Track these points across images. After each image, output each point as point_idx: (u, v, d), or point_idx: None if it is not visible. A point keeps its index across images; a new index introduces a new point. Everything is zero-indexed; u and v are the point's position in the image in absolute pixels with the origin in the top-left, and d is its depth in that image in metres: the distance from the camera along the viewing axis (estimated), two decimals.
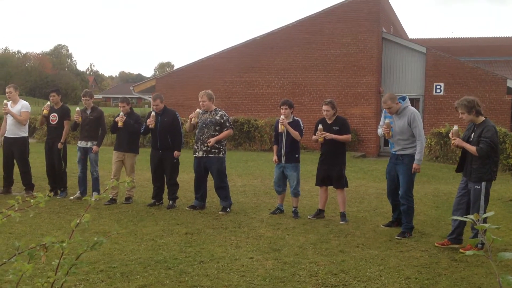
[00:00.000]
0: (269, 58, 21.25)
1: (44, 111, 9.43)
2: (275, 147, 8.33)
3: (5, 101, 9.44)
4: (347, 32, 20.13)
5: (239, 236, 6.82)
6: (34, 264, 1.62)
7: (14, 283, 1.51)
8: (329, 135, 7.72)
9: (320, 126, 7.80)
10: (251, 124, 19.85)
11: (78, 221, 1.72)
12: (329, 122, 7.88)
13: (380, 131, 7.41)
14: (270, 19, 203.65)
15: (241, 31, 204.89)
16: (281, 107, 8.17)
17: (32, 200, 1.66)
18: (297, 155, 8.20)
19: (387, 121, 7.15)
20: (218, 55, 22.23)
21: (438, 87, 19.89)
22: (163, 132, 8.67)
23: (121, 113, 8.91)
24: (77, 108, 9.32)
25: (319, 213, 8.04)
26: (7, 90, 9.47)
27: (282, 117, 8.11)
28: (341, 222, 7.69)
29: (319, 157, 8.14)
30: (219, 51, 22.45)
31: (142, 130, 8.99)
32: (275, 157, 8.26)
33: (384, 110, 7.35)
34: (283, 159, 8.14)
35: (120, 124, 8.83)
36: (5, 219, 1.57)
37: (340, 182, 7.87)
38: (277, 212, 8.25)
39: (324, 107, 7.92)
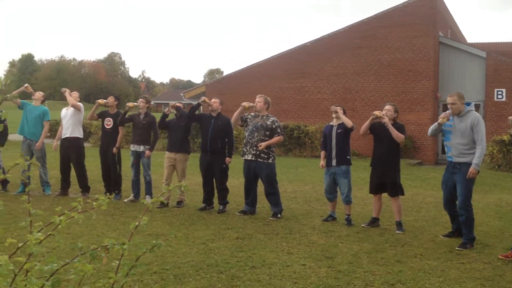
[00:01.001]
0: (319, 64, 21.06)
1: (100, 101, 9.71)
2: (322, 153, 8.18)
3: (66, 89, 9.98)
4: (401, 37, 19.69)
5: (291, 242, 6.72)
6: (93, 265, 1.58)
7: (76, 283, 1.49)
8: (387, 119, 7.50)
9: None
10: (301, 130, 19.68)
11: (136, 223, 1.69)
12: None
13: (434, 125, 7.09)
14: (320, 25, 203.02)
15: (290, 37, 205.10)
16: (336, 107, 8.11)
17: (94, 203, 1.64)
18: (348, 157, 8.02)
19: (448, 111, 6.88)
20: (268, 61, 22.23)
21: (500, 93, 19.09)
22: (214, 136, 8.69)
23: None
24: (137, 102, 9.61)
25: (374, 222, 7.82)
26: (73, 92, 10.05)
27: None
28: (397, 232, 7.44)
29: (370, 162, 7.93)
30: (268, 57, 22.45)
31: (190, 110, 9.28)
32: (322, 162, 8.11)
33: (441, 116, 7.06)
34: (334, 161, 7.96)
35: (171, 105, 9.27)
36: (68, 220, 1.54)
37: (394, 190, 7.62)
38: (329, 219, 8.09)
39: (387, 107, 7.74)
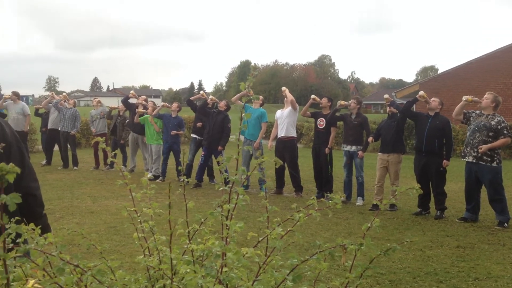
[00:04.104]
0: None
1: (315, 97, 10.07)
2: None
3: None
4: None
5: None
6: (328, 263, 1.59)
7: (312, 280, 1.52)
8: None
9: None
10: None
11: (369, 225, 1.66)
12: None
13: None
14: None
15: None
16: None
17: (330, 201, 1.67)
18: None
19: None
20: (490, 56, 20.45)
21: None
22: (430, 135, 8.26)
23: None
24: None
25: None
26: None
27: None
28: None
29: None
30: (491, 51, 20.65)
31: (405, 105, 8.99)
32: None
33: None
34: None
35: (386, 98, 9.19)
36: (306, 217, 1.59)
37: None
38: None
39: None
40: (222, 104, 11.06)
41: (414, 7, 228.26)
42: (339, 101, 9.88)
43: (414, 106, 9.32)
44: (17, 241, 1.38)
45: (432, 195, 8.40)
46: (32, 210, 2.66)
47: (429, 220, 8.06)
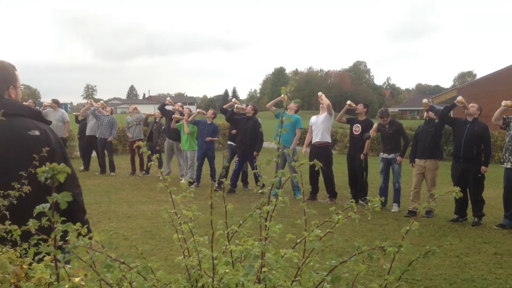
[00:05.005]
0: None
1: (351, 103, 10.00)
2: None
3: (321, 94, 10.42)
4: None
5: None
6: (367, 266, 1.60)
7: (350, 282, 1.53)
8: None
9: None
10: None
11: (407, 228, 1.66)
12: None
13: None
14: None
15: None
16: None
17: (369, 204, 1.68)
18: None
19: None
20: None
21: None
22: (469, 141, 8.11)
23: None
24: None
25: None
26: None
27: None
28: None
29: None
30: None
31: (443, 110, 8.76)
32: None
33: None
34: None
35: (425, 103, 8.98)
36: (345, 219, 1.61)
37: None
38: None
39: None
40: (249, 109, 11.06)
41: (451, 12, 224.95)
42: (371, 132, 9.57)
43: (451, 112, 9.16)
44: (66, 238, 1.44)
45: (469, 201, 8.25)
46: (74, 216, 2.73)
47: (466, 226, 7.92)
